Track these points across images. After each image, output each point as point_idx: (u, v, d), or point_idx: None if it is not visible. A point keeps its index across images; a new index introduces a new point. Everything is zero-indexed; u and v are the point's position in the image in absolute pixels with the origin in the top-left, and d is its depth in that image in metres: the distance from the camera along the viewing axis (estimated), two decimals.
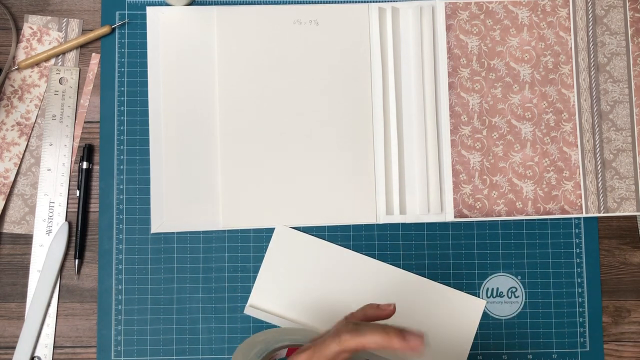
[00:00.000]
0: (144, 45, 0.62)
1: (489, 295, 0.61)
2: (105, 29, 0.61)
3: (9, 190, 0.60)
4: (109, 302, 0.60)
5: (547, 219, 0.62)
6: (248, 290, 0.60)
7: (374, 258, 0.61)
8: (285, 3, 0.62)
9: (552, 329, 0.61)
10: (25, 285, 0.60)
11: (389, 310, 0.47)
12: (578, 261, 0.62)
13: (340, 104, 0.62)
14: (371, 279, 0.60)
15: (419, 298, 0.60)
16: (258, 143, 0.61)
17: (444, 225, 0.62)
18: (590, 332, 0.62)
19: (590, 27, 0.63)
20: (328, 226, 0.61)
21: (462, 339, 0.60)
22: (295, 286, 0.60)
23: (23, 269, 0.60)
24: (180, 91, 0.61)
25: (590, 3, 0.63)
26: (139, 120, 0.61)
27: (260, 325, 0.60)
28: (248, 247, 0.61)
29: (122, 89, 0.61)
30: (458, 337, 0.60)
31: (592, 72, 0.62)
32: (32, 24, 0.62)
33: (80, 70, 0.62)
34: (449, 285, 0.61)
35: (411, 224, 0.62)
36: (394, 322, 0.59)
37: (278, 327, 0.59)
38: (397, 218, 0.61)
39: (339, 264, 0.60)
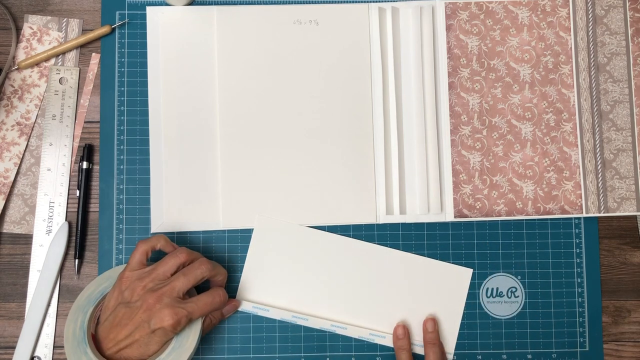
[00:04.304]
0: (144, 45, 0.62)
1: (488, 295, 0.61)
2: (105, 29, 0.61)
3: (9, 190, 0.60)
4: None
5: (547, 219, 0.62)
6: None
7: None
8: (285, 3, 0.62)
9: (552, 329, 0.61)
10: (25, 285, 0.60)
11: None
12: (578, 261, 0.62)
13: (340, 104, 0.62)
14: (355, 259, 0.61)
15: (406, 273, 0.61)
16: (258, 143, 0.61)
17: (444, 225, 0.62)
18: (589, 332, 0.62)
19: (590, 27, 0.63)
20: (328, 226, 0.61)
21: (453, 308, 0.61)
22: (281, 273, 0.60)
23: (23, 269, 0.60)
24: (180, 91, 0.61)
25: (590, 3, 0.63)
26: (139, 120, 0.61)
27: (260, 325, 0.60)
28: (248, 247, 0.60)
29: (122, 89, 0.61)
30: (449, 306, 0.61)
31: (592, 72, 0.62)
32: (32, 24, 0.62)
33: (80, 70, 0.62)
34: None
35: (411, 224, 0.62)
36: (382, 298, 0.59)
37: (263, 317, 0.60)
38: (397, 218, 0.61)
39: (322, 247, 0.60)
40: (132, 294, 0.51)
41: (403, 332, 0.59)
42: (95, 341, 0.51)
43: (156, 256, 0.54)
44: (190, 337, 0.52)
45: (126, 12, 0.62)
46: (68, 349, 0.51)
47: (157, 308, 0.49)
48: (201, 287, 0.56)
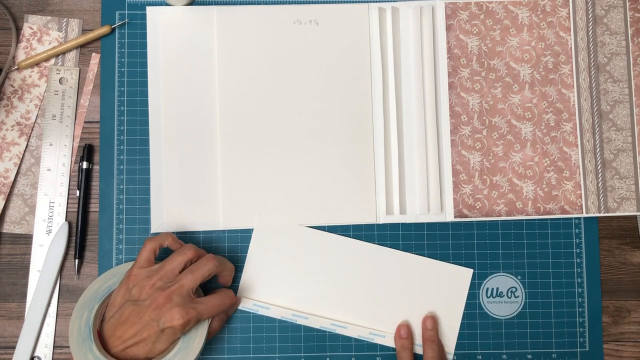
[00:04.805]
0: (144, 45, 0.62)
1: (488, 295, 0.61)
2: (105, 29, 0.61)
3: (9, 190, 0.60)
4: None
5: (547, 219, 0.62)
6: None
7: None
8: (285, 3, 0.62)
9: (552, 329, 0.61)
10: (25, 285, 0.60)
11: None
12: (578, 261, 0.62)
13: (340, 104, 0.62)
14: (355, 259, 0.61)
15: (406, 273, 0.61)
16: (258, 143, 0.61)
17: (444, 225, 0.62)
18: (590, 332, 0.62)
19: (590, 27, 0.63)
20: (328, 226, 0.61)
21: (453, 308, 0.61)
22: (281, 273, 0.60)
23: (23, 269, 0.60)
24: (180, 91, 0.61)
25: (590, 3, 0.63)
26: (139, 120, 0.61)
27: (260, 325, 0.60)
28: (248, 247, 0.60)
29: (122, 89, 0.61)
30: (449, 307, 0.60)
31: (592, 72, 0.62)
32: (32, 24, 0.62)
33: (80, 70, 0.62)
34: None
35: (411, 224, 0.62)
36: (381, 298, 0.59)
37: (263, 316, 0.60)
38: (397, 218, 0.61)
39: (322, 247, 0.60)
40: (141, 292, 0.50)
41: (406, 331, 0.59)
42: (101, 339, 0.51)
43: (162, 255, 0.54)
44: (197, 338, 0.52)
45: (126, 12, 0.62)
46: (73, 346, 0.51)
47: (167, 307, 0.49)
48: (206, 285, 0.56)
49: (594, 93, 0.62)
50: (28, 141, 0.61)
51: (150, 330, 0.49)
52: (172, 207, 0.60)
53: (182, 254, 0.53)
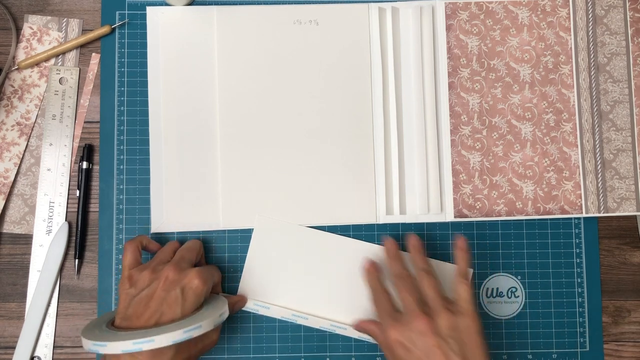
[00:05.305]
0: (144, 45, 0.62)
1: (488, 295, 0.61)
2: (105, 29, 0.61)
3: (9, 190, 0.60)
4: (109, 302, 0.60)
5: (547, 219, 0.62)
6: None
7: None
8: (285, 3, 0.62)
9: (552, 329, 0.61)
10: (25, 285, 0.60)
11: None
12: (578, 261, 0.62)
13: (340, 104, 0.62)
14: (355, 259, 0.60)
15: None
16: (258, 143, 0.61)
17: (444, 225, 0.62)
18: (590, 332, 0.62)
19: (590, 27, 0.63)
20: (328, 226, 0.61)
21: None
22: (281, 274, 0.60)
23: (23, 269, 0.60)
24: (180, 91, 0.61)
25: (590, 3, 0.63)
26: (139, 120, 0.61)
27: (260, 325, 0.60)
28: (248, 247, 0.60)
29: (122, 89, 0.61)
30: None
31: (592, 72, 0.62)
32: (32, 24, 0.62)
33: (80, 70, 0.62)
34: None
35: (411, 224, 0.62)
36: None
37: (263, 316, 0.60)
38: (397, 218, 0.61)
39: (322, 247, 0.60)
40: (144, 281, 0.51)
41: (373, 263, 0.57)
42: None
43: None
44: (220, 300, 0.53)
45: (126, 12, 0.62)
46: (91, 340, 0.47)
47: (179, 274, 0.50)
48: None
49: (594, 93, 0.62)
50: (28, 141, 0.61)
51: (170, 301, 0.48)
52: (172, 207, 0.60)
53: (169, 244, 0.56)
